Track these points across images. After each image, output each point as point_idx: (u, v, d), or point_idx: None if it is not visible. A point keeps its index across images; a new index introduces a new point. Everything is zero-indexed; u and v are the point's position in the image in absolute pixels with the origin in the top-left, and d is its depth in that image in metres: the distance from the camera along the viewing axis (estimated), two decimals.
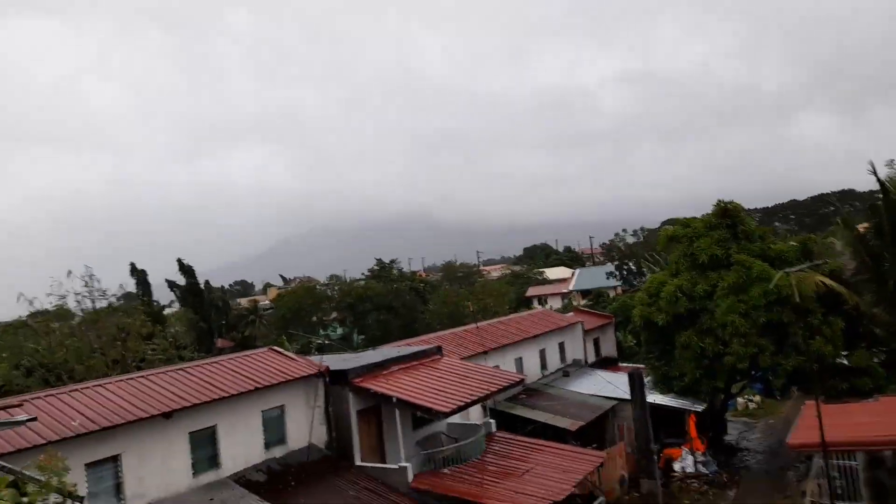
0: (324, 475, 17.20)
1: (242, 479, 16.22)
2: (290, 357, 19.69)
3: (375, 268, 67.45)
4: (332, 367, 18.86)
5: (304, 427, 18.18)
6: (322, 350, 39.51)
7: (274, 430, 17.61)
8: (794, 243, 28.95)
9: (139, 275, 49.15)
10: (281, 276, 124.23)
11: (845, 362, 25.49)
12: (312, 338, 49.65)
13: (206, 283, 59.75)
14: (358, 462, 18.18)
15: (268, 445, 17.36)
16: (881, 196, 25.67)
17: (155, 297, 51.17)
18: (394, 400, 18.12)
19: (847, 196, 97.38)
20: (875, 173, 25.42)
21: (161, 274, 54.17)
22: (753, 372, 27.30)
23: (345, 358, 22.22)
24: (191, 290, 55.14)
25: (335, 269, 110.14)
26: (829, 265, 25.46)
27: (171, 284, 55.25)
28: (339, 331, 57.42)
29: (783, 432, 24.44)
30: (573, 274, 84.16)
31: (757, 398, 34.52)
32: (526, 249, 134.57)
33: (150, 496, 14.57)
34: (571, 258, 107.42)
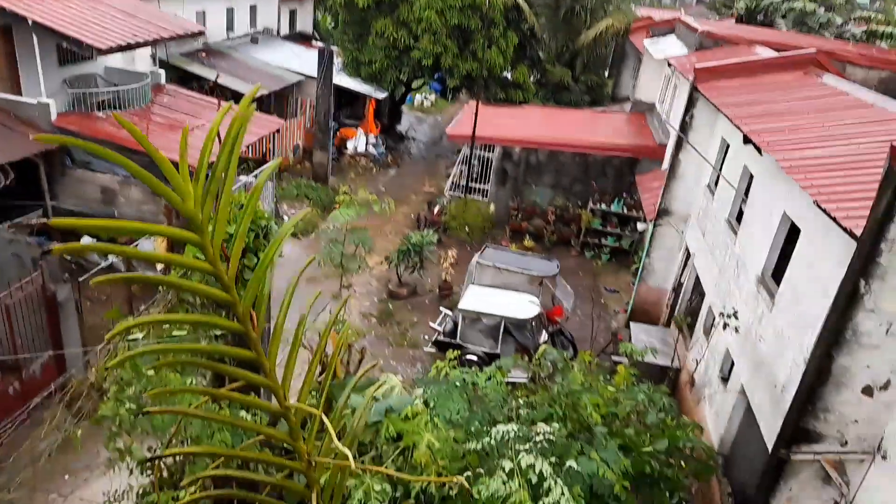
0: None
1: None
2: None
3: None
4: None
5: None
6: None
7: None
8: None
9: None
10: None
11: (508, 76, 28.89)
12: None
13: None
14: None
15: None
16: None
17: None
18: (30, 23, 14.76)
19: None
20: None
21: None
22: (435, 74, 29.30)
23: None
24: None
25: None
26: None
27: None
28: None
29: (446, 128, 27.61)
30: None
31: (432, 97, 37.71)
32: None
33: None
34: None
